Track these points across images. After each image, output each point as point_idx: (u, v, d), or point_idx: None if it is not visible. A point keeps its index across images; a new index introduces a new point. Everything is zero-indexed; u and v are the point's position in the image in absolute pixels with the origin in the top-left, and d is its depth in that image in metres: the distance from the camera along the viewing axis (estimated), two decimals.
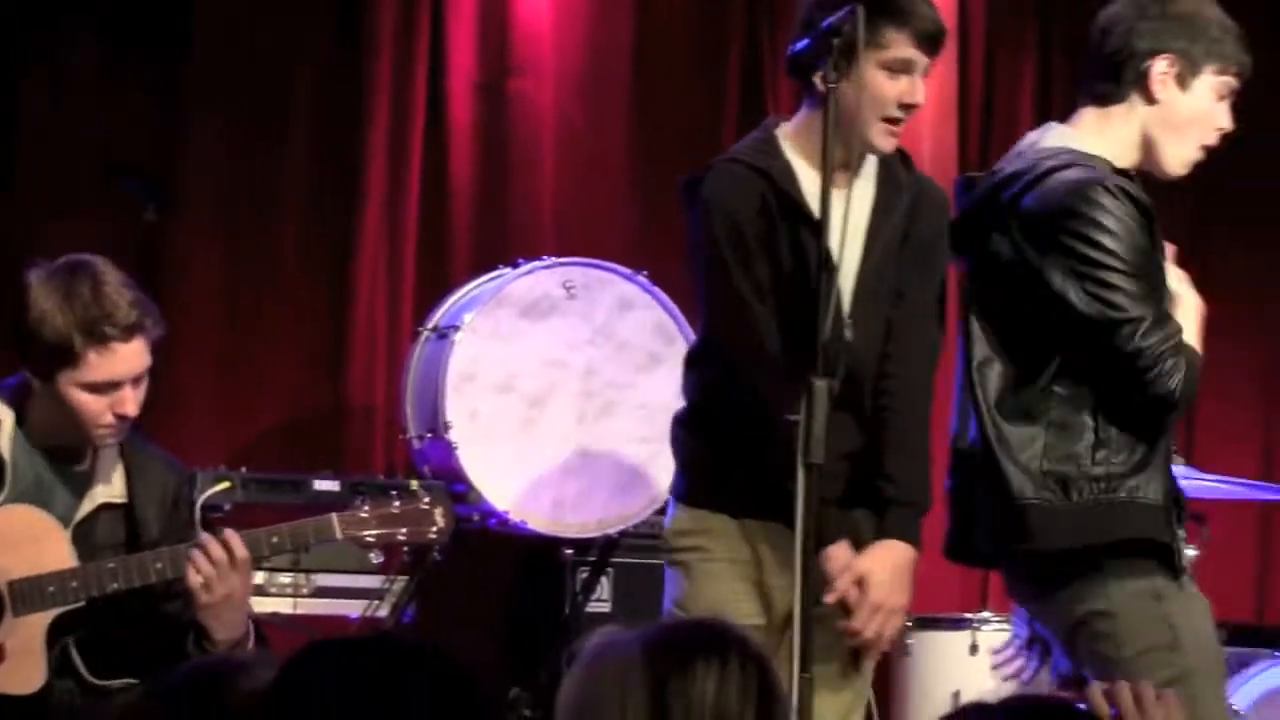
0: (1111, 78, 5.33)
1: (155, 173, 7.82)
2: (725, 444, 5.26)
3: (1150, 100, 5.27)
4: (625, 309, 7.67)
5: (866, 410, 5.23)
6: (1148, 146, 5.30)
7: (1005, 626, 7.46)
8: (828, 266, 4.87)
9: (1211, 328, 9.18)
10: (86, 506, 5.26)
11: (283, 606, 6.94)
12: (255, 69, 8.42)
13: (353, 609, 7.15)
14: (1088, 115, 5.42)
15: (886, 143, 5.20)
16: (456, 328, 7.49)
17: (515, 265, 7.67)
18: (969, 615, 7.96)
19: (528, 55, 8.67)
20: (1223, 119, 5.33)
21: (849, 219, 5.08)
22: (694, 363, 5.41)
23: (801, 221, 5.16)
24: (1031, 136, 5.53)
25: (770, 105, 8.49)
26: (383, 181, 8.45)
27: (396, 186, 8.47)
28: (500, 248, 8.22)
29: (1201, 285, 9.13)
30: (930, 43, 5.22)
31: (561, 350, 7.55)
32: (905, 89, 5.13)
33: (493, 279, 7.71)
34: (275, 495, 6.92)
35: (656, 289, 7.68)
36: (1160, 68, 5.24)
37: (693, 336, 5.93)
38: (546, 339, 7.51)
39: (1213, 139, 5.34)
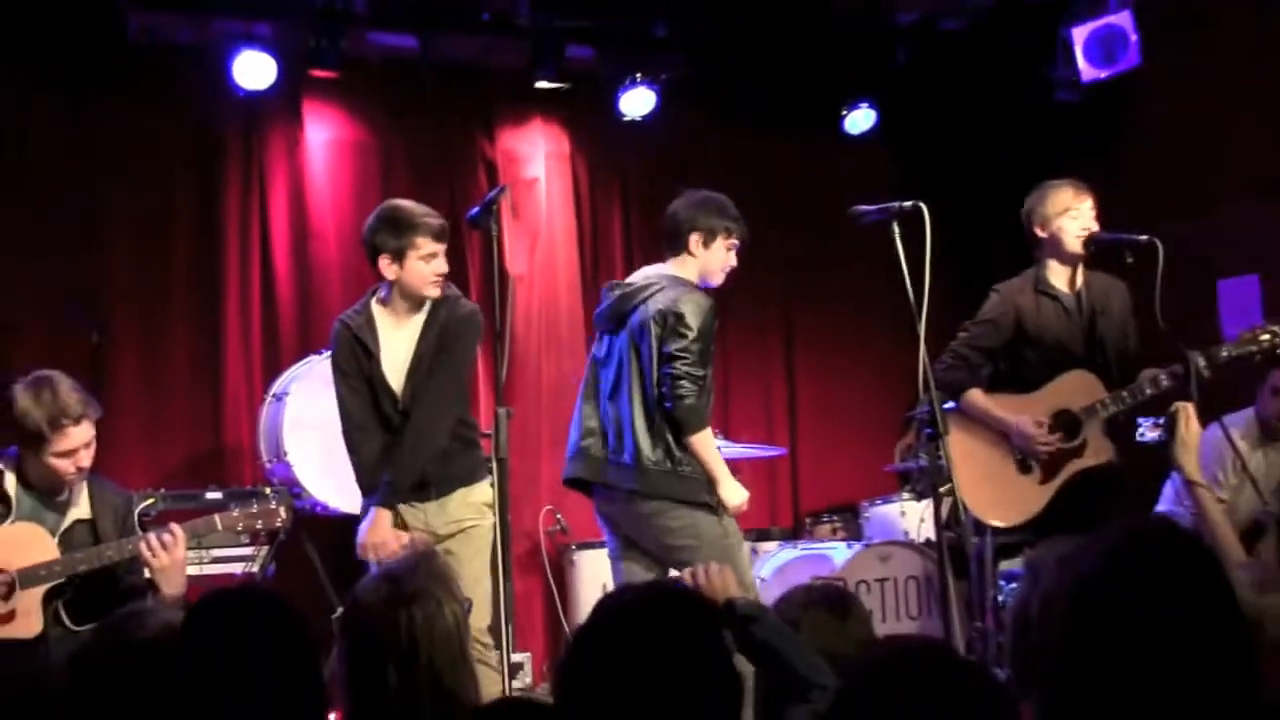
0: (676, 240, 5.94)
1: (97, 308, 7.69)
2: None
3: (692, 254, 5.90)
4: None
5: None
6: (702, 274, 5.92)
7: None
8: (500, 336, 5.20)
9: (733, 340, 9.40)
10: (66, 522, 5.33)
11: (192, 570, 6.89)
12: (151, 241, 8.20)
13: (236, 569, 7.09)
14: (671, 261, 5.98)
15: (435, 292, 5.73)
16: (287, 394, 7.50)
17: (319, 352, 7.58)
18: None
19: (319, 224, 8.52)
20: (731, 261, 6.00)
21: (407, 337, 5.78)
22: None
23: (370, 355, 5.74)
24: (644, 270, 6.14)
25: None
26: (238, 307, 8.29)
27: (246, 310, 8.32)
28: (310, 343, 8.11)
29: (738, 304, 9.35)
30: (442, 236, 5.71)
31: None
32: (438, 266, 5.70)
33: (306, 362, 7.68)
34: (183, 504, 6.85)
35: None
36: (694, 237, 5.89)
37: None
38: None
39: (727, 271, 6.01)
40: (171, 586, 5.22)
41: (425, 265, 5.67)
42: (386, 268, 5.71)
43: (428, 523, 5.77)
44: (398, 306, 5.82)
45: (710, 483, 5.80)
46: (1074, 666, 2.41)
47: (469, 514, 5.77)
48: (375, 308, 5.84)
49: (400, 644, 3.15)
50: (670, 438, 5.77)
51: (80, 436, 5.24)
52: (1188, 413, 5.38)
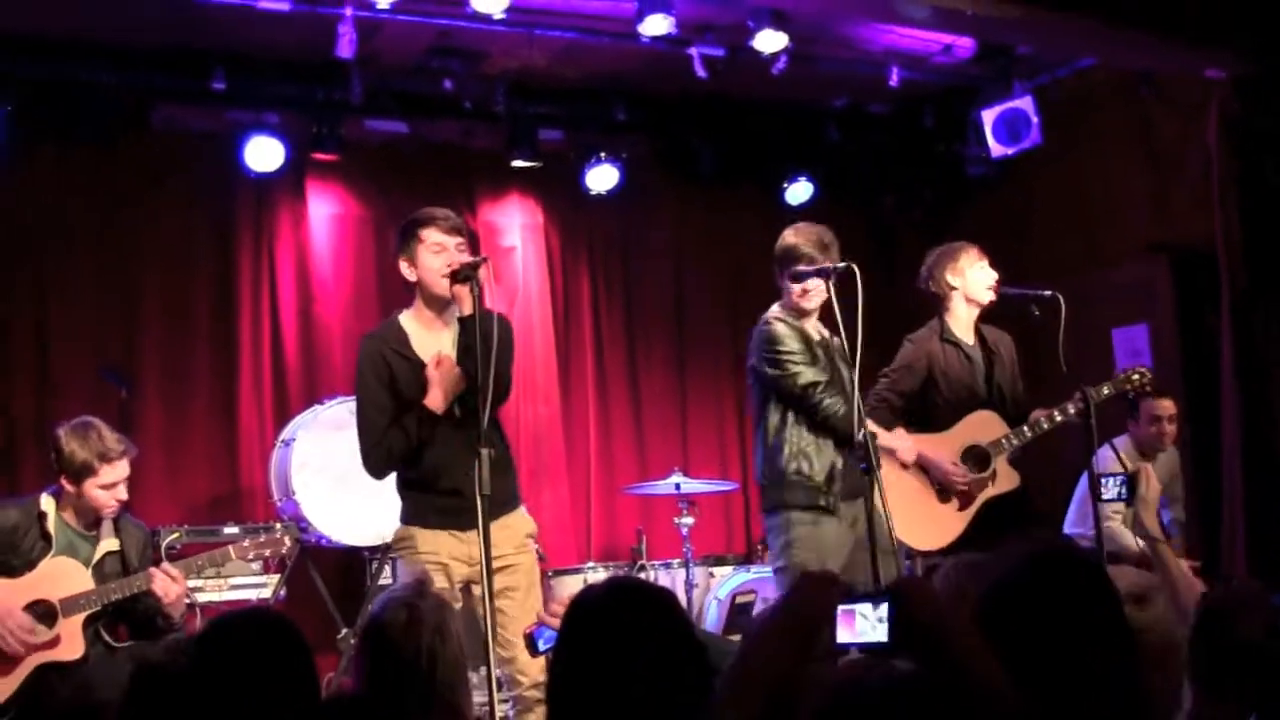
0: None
1: (125, 369, 7.69)
2: (418, 493, 5.13)
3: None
4: None
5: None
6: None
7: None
8: (483, 385, 4.60)
9: (691, 386, 9.37)
10: (98, 554, 5.39)
11: (215, 596, 6.84)
12: (178, 308, 8.22)
13: (251, 595, 7.04)
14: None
15: (445, 290, 4.99)
16: (294, 439, 7.46)
17: (322, 402, 7.62)
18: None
19: (321, 290, 8.53)
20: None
21: (443, 343, 5.10)
22: None
23: (407, 359, 5.05)
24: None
25: None
26: (250, 363, 8.30)
27: (258, 365, 8.33)
28: (315, 394, 8.07)
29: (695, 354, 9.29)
30: (451, 229, 5.09)
31: (353, 447, 7.31)
32: (450, 258, 4.97)
33: (311, 411, 7.64)
34: (203, 537, 6.85)
35: None
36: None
37: None
38: (343, 443, 6.81)
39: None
40: (175, 614, 5.33)
41: (435, 258, 5.03)
42: (406, 272, 5.11)
43: (470, 555, 4.97)
44: (422, 314, 5.17)
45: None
46: None
47: (513, 547, 5.10)
48: (405, 320, 5.21)
49: (421, 664, 3.28)
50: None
51: (121, 472, 5.38)
52: (1148, 473, 5.06)
